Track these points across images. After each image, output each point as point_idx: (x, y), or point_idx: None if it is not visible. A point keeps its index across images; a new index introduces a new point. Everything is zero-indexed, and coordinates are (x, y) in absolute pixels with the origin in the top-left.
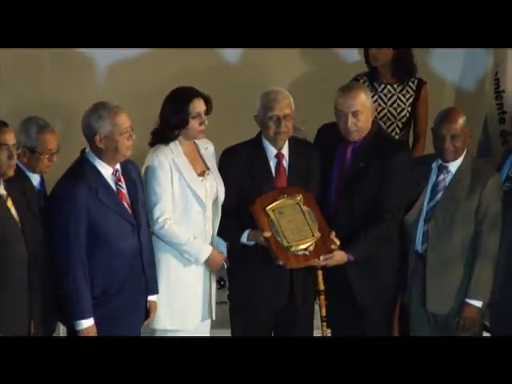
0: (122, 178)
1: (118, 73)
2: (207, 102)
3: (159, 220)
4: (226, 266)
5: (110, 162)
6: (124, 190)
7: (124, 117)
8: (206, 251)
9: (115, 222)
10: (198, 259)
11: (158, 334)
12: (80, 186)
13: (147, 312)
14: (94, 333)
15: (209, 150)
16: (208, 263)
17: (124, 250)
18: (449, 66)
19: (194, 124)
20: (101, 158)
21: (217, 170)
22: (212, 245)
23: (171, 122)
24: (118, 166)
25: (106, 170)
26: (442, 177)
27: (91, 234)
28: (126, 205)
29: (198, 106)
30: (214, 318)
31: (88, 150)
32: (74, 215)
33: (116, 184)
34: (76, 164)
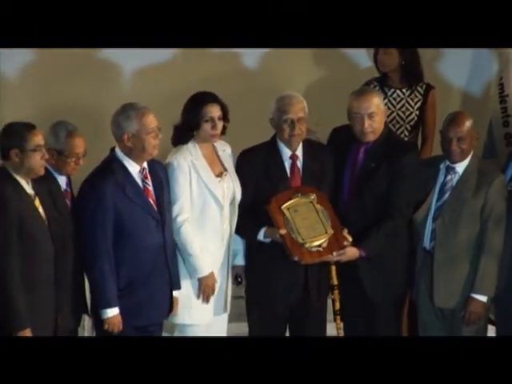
0: (148, 175)
1: (146, 75)
2: (223, 108)
3: (178, 219)
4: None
5: (138, 160)
6: (150, 187)
7: (151, 117)
8: (206, 269)
9: (141, 217)
10: (195, 272)
11: (177, 328)
12: (107, 183)
13: (171, 305)
14: (119, 322)
15: (226, 152)
16: (201, 281)
17: (149, 245)
18: (456, 72)
19: (206, 127)
20: (129, 156)
21: (234, 171)
22: (230, 242)
23: (186, 124)
24: (145, 165)
25: (134, 168)
26: (449, 177)
27: (118, 228)
28: (151, 201)
29: (212, 110)
30: (228, 311)
31: (117, 148)
32: (101, 210)
33: (143, 181)
34: (105, 162)
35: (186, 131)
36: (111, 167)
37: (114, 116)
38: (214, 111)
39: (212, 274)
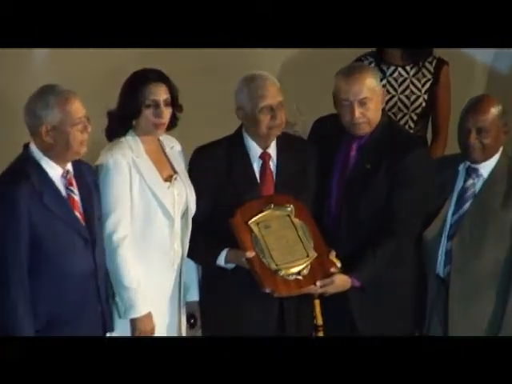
0: (74, 181)
1: (70, 52)
2: (172, 90)
3: (113, 237)
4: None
5: (60, 161)
6: (76, 197)
7: (77, 104)
8: (142, 309)
9: (64, 234)
10: (127, 312)
11: None
12: (20, 189)
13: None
14: None
15: (175, 150)
16: (135, 324)
17: (75, 271)
18: None
19: (147, 114)
20: (48, 155)
21: (186, 174)
22: (182, 268)
23: (123, 109)
24: (69, 167)
25: (55, 171)
26: (470, 182)
27: (34, 249)
28: (78, 214)
29: (156, 92)
30: None
31: (32, 145)
32: (13, 223)
33: (66, 188)
34: (16, 162)
35: (123, 119)
36: (25, 169)
37: (29, 102)
38: (158, 93)
39: (149, 315)
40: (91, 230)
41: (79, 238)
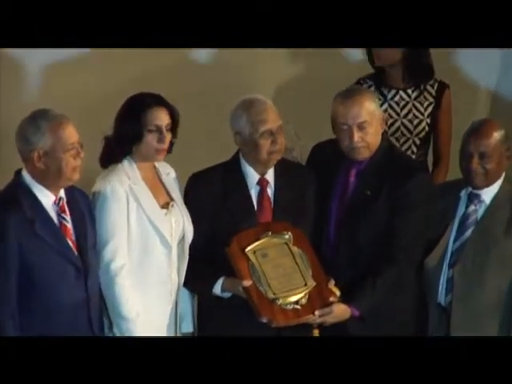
0: (66, 208)
1: (61, 75)
2: (172, 114)
3: (111, 267)
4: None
5: (52, 188)
6: (69, 224)
7: (70, 129)
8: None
9: (56, 264)
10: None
11: None
12: (11, 215)
13: None
14: None
15: (170, 176)
16: None
17: (66, 303)
18: (482, 66)
19: (150, 139)
20: (40, 181)
21: (182, 201)
22: (178, 298)
23: (123, 135)
24: (62, 194)
25: (47, 199)
26: (472, 208)
27: (24, 279)
28: (70, 243)
29: (158, 117)
30: None
31: (24, 171)
32: (4, 253)
33: (59, 216)
34: (7, 189)
35: (122, 144)
36: (16, 196)
37: (20, 127)
38: (161, 118)
39: None
40: (84, 259)
41: (71, 266)
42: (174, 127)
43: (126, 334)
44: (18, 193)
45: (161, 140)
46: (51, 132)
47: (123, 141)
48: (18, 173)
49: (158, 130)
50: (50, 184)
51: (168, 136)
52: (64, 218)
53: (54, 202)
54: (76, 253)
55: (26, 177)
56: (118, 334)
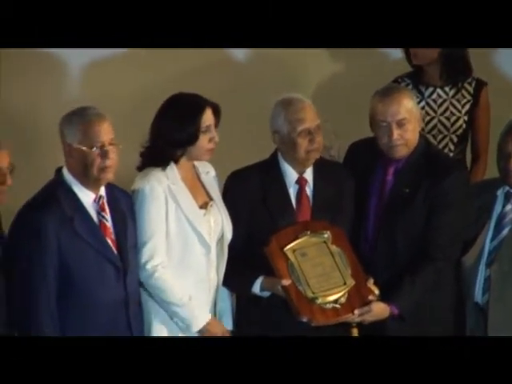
0: (106, 207)
1: (97, 74)
2: (216, 112)
3: (147, 266)
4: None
5: (91, 186)
6: (108, 223)
7: (101, 127)
8: (202, 319)
9: (95, 262)
10: (190, 327)
11: None
12: (51, 213)
13: None
14: None
15: (210, 175)
16: (203, 335)
17: (105, 302)
18: None
19: (203, 141)
20: (79, 179)
21: (221, 200)
22: (217, 297)
23: (176, 139)
24: (102, 192)
25: (87, 197)
26: (509, 207)
27: (62, 277)
28: (109, 241)
29: (208, 117)
30: None
31: (65, 169)
32: (42, 250)
33: (98, 214)
34: (48, 186)
35: (172, 149)
36: (55, 194)
37: (60, 120)
38: (210, 118)
39: (214, 321)
40: (123, 258)
41: (110, 265)
42: (216, 125)
43: (188, 320)
44: (58, 190)
45: (211, 140)
46: (80, 127)
47: (177, 144)
48: (59, 170)
49: (209, 130)
50: (85, 182)
51: (217, 135)
52: (104, 217)
53: (94, 201)
54: (115, 252)
55: (66, 174)
56: (180, 324)
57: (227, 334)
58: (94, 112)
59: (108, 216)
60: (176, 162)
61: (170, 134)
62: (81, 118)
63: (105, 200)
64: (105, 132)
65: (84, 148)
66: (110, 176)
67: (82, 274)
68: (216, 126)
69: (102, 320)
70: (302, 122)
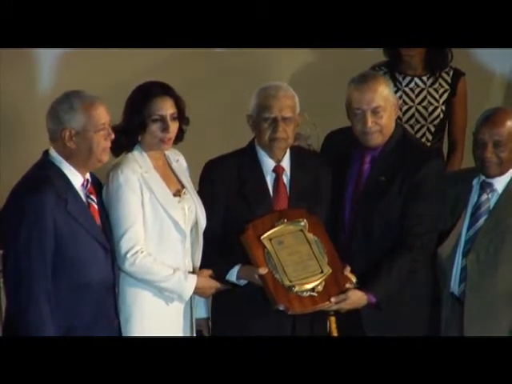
0: (93, 190)
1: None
2: (178, 103)
3: (128, 255)
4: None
5: (81, 168)
6: (96, 206)
7: (102, 110)
8: (190, 286)
9: (86, 243)
10: (182, 296)
11: None
12: (47, 195)
13: None
14: None
15: (180, 163)
16: (198, 295)
17: (95, 282)
18: (497, 55)
19: (153, 129)
20: (69, 162)
21: (193, 187)
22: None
23: (128, 125)
24: (88, 176)
25: (76, 179)
26: (485, 197)
27: (56, 257)
28: (97, 223)
29: (162, 106)
30: None
31: (52, 151)
32: (40, 232)
33: (87, 197)
34: (36, 168)
35: (128, 134)
36: (47, 175)
37: (52, 106)
38: (165, 107)
39: (200, 279)
40: (109, 240)
41: (100, 247)
42: (181, 116)
43: (178, 289)
44: (50, 173)
45: (165, 129)
46: (84, 111)
47: (129, 130)
48: (46, 153)
49: (162, 119)
50: (79, 164)
51: (174, 125)
52: (92, 200)
53: (82, 184)
54: (103, 234)
55: (56, 157)
56: (171, 295)
57: (219, 287)
58: (90, 95)
59: (95, 199)
60: (131, 148)
61: (125, 121)
62: (81, 101)
63: (91, 183)
64: (105, 114)
65: (90, 132)
66: (107, 158)
67: (75, 255)
68: (180, 117)
69: (90, 301)
70: (267, 109)
